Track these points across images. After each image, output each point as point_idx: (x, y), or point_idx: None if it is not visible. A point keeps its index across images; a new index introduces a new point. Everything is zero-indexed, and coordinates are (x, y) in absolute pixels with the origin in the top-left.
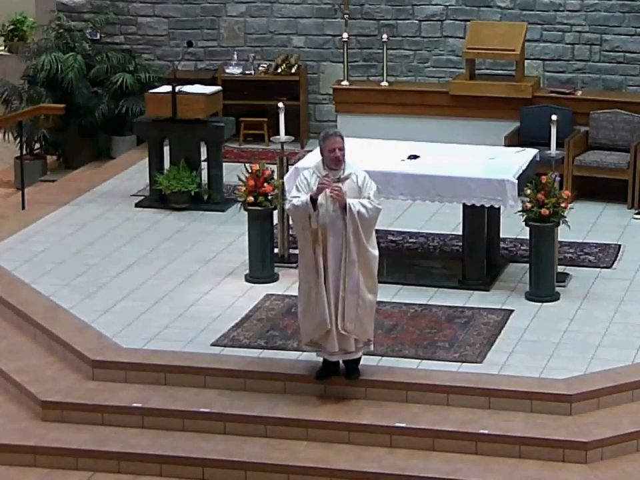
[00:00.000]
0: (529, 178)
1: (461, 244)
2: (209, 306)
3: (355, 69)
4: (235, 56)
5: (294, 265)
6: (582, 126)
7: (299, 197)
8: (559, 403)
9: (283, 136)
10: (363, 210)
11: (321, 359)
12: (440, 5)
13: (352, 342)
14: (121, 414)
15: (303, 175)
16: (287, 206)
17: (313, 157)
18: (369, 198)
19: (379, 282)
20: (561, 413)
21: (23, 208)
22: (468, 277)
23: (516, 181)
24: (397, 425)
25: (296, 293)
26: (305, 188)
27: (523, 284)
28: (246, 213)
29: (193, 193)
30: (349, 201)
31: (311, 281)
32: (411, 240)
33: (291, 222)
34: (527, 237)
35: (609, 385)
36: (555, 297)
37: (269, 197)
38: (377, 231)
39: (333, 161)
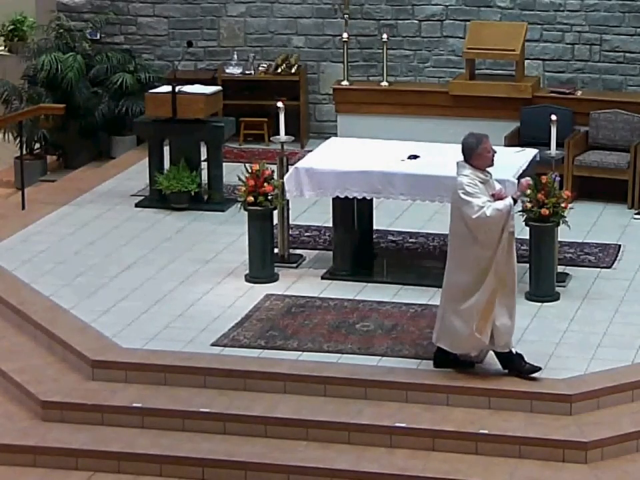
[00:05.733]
0: None
1: None
2: (209, 306)
3: (355, 69)
4: (235, 56)
5: (294, 264)
6: (582, 126)
7: (489, 200)
8: (559, 402)
9: (282, 136)
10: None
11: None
12: (440, 4)
13: None
14: (121, 414)
15: (470, 184)
16: (489, 212)
17: (315, 157)
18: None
19: (380, 282)
20: (561, 413)
21: (23, 208)
22: None
23: (516, 181)
24: (397, 424)
25: (296, 293)
26: (482, 192)
27: (523, 284)
28: (246, 212)
29: (193, 193)
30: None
31: (496, 284)
32: (410, 240)
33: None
34: (527, 237)
35: (609, 384)
36: (555, 297)
37: (269, 197)
38: (377, 231)
39: (490, 161)
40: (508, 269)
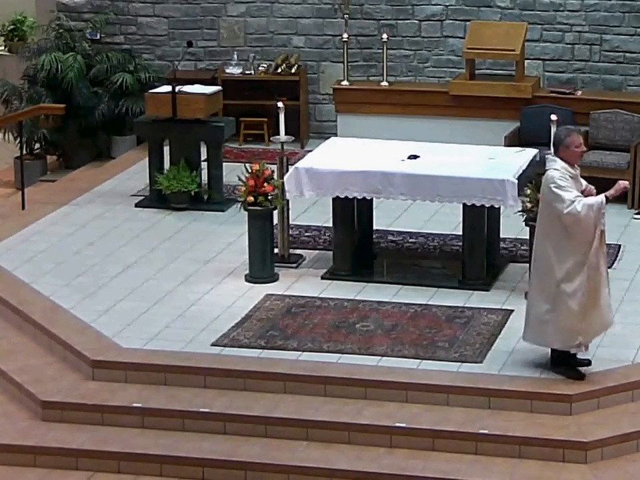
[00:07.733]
0: (528, 178)
1: (460, 244)
2: (209, 306)
3: (355, 69)
4: (235, 56)
5: (294, 264)
6: (582, 126)
7: (580, 195)
8: (558, 402)
9: (282, 136)
10: None
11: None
12: (440, 4)
13: None
14: (121, 414)
15: (562, 177)
16: (579, 207)
17: (315, 157)
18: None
19: (380, 282)
20: (561, 413)
21: (23, 208)
22: (468, 276)
23: (516, 181)
24: (397, 424)
25: (296, 293)
26: (573, 187)
27: (523, 284)
28: (246, 212)
29: (193, 193)
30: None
31: (583, 283)
32: (410, 240)
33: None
34: (527, 237)
35: (609, 384)
36: None
37: (269, 197)
38: (377, 230)
39: (580, 156)
40: (597, 267)
